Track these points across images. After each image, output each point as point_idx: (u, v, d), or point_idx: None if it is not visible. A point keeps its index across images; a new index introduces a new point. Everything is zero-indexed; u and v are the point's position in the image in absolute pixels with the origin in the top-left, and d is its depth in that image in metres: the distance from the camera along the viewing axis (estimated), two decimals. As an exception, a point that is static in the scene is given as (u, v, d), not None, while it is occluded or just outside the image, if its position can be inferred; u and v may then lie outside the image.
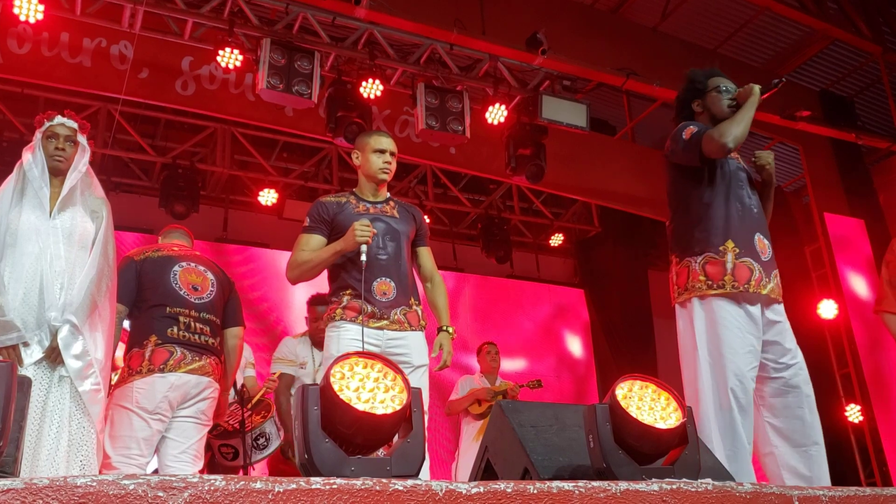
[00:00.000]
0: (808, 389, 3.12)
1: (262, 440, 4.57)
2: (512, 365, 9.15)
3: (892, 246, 3.91)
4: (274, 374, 4.95)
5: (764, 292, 3.08)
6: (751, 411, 3.01)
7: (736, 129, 3.07)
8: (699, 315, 3.09)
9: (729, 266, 3.06)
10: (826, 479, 3.02)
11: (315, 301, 5.07)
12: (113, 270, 3.14)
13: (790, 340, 3.16)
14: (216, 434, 4.43)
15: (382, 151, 3.48)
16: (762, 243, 3.16)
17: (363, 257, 3.20)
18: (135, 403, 3.40)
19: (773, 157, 3.32)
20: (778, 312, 3.18)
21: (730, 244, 3.09)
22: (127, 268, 3.58)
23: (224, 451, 4.47)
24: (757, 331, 3.07)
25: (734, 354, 2.99)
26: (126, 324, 3.68)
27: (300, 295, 7.80)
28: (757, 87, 3.18)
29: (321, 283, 3.64)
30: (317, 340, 4.92)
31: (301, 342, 5.07)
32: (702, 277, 3.08)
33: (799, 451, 3.08)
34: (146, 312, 3.57)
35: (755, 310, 3.08)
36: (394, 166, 3.52)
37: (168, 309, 3.56)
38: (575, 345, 9.75)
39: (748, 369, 3.00)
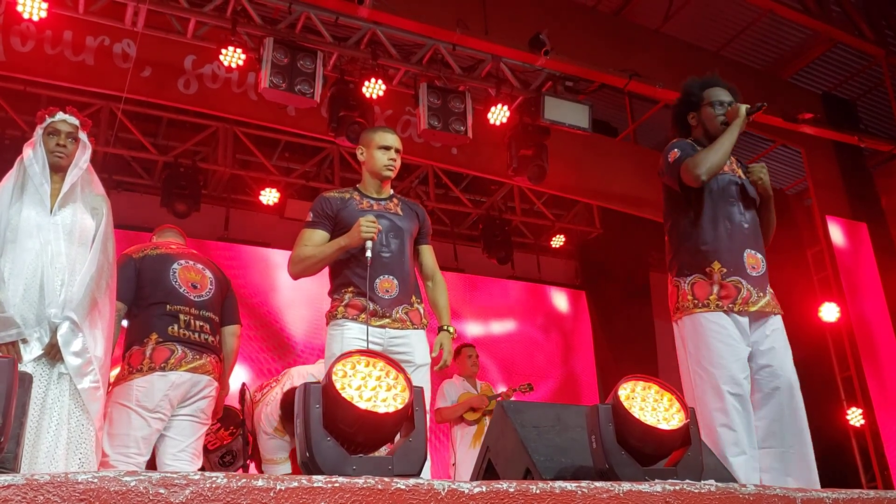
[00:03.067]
0: (791, 393, 3.10)
1: (228, 457, 4.53)
2: (513, 366, 9.15)
3: None
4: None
5: (753, 309, 3.09)
6: (750, 415, 3.02)
7: (712, 160, 3.08)
8: (690, 331, 3.13)
9: (715, 288, 3.08)
10: (813, 482, 3.00)
11: None
12: (113, 267, 3.14)
13: (776, 342, 3.14)
14: None
15: (387, 148, 3.47)
16: (753, 259, 3.15)
17: (368, 253, 3.17)
18: (135, 402, 3.39)
19: (766, 171, 3.27)
20: (770, 326, 3.16)
21: (716, 265, 3.11)
22: (125, 266, 3.57)
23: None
24: (746, 339, 3.09)
25: (726, 363, 3.01)
26: (123, 322, 3.67)
27: (301, 295, 7.81)
28: (743, 109, 3.17)
29: (322, 280, 3.61)
30: None
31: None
32: (689, 297, 3.13)
33: (779, 452, 3.06)
34: (146, 310, 3.56)
35: (744, 321, 3.10)
36: (398, 163, 3.50)
37: (168, 307, 3.56)
38: (576, 346, 9.74)
39: (742, 377, 3.02)
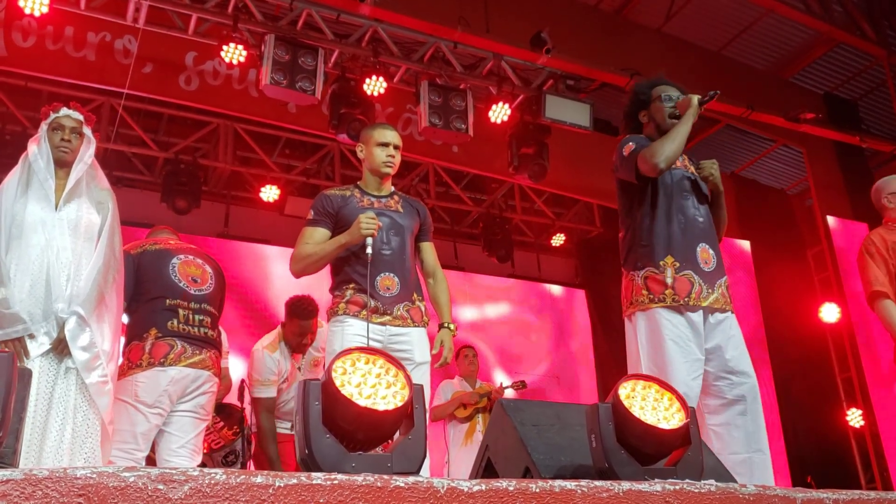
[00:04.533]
0: (753, 398, 3.10)
1: (231, 457, 4.53)
2: (512, 365, 9.15)
3: (872, 239, 3.85)
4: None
5: (704, 304, 3.09)
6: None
7: (669, 148, 3.07)
8: (642, 327, 3.14)
9: (669, 281, 3.08)
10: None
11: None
12: (119, 262, 3.13)
13: (735, 349, 3.14)
14: None
15: (386, 145, 3.46)
16: (706, 254, 3.15)
17: (368, 250, 3.17)
18: (134, 397, 3.39)
19: (716, 167, 3.27)
20: (729, 328, 3.16)
21: (669, 259, 3.11)
22: (124, 262, 3.56)
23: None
24: (699, 339, 3.08)
25: (677, 364, 3.00)
26: (123, 317, 3.67)
27: (297, 288, 7.79)
28: (696, 98, 3.17)
29: (319, 273, 3.59)
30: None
31: (279, 351, 4.72)
32: (644, 291, 3.14)
33: (740, 458, 3.04)
34: (145, 305, 3.55)
35: (697, 318, 3.09)
36: (398, 160, 3.50)
37: (168, 301, 3.55)
38: (576, 345, 9.74)
39: (691, 378, 3.01)
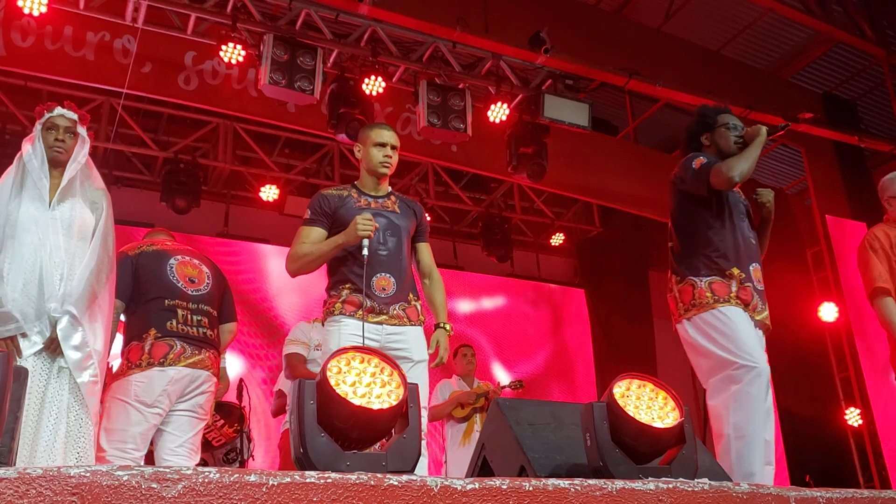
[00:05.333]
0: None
1: (232, 454, 4.55)
2: (512, 364, 9.16)
3: (875, 234, 3.90)
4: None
5: (758, 318, 3.26)
6: (771, 416, 3.12)
7: (743, 165, 3.22)
8: (710, 322, 3.20)
9: (734, 288, 3.23)
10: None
11: None
12: (112, 262, 3.14)
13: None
14: None
15: (383, 145, 3.46)
16: (758, 273, 3.34)
17: (365, 251, 3.18)
18: (133, 397, 3.39)
19: (773, 196, 3.48)
20: (762, 338, 3.32)
21: (735, 270, 3.26)
22: (122, 263, 3.56)
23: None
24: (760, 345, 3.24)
25: (758, 351, 3.14)
26: (121, 317, 3.68)
27: (300, 291, 7.82)
28: (764, 129, 3.33)
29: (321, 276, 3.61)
30: None
31: (315, 327, 5.00)
32: (708, 294, 3.23)
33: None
34: (144, 306, 3.56)
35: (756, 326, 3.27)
36: (395, 160, 3.50)
37: (166, 302, 3.55)
38: (574, 345, 9.75)
39: (764, 362, 3.13)
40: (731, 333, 3.14)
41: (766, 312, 3.30)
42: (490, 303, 9.42)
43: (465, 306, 9.07)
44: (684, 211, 3.44)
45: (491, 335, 9.19)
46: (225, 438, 4.50)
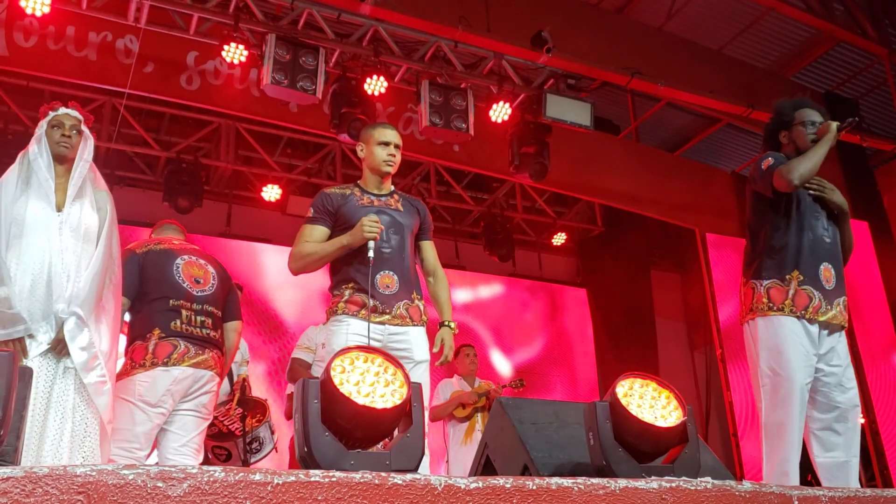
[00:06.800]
0: (852, 406, 3.28)
1: (255, 444, 4.58)
2: (512, 363, 9.16)
3: None
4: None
5: (821, 319, 3.27)
6: (802, 419, 3.20)
7: (804, 167, 3.25)
8: (761, 332, 3.31)
9: (791, 293, 3.26)
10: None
11: None
12: (116, 264, 3.15)
13: (842, 361, 3.32)
14: (211, 435, 4.44)
15: (387, 144, 3.46)
16: (828, 272, 3.32)
17: (371, 253, 3.18)
18: (137, 397, 3.40)
19: (836, 192, 3.42)
20: (841, 344, 3.35)
21: (795, 273, 3.29)
22: (129, 260, 3.57)
23: (217, 452, 4.49)
24: (814, 348, 3.26)
25: (793, 365, 3.19)
26: (126, 316, 3.68)
27: (302, 290, 7.83)
28: (834, 125, 3.36)
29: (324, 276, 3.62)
30: None
31: (322, 329, 5.06)
32: (765, 299, 3.30)
33: (838, 462, 3.24)
34: (148, 305, 3.57)
35: (813, 328, 3.27)
36: (398, 159, 3.50)
37: (171, 301, 3.56)
38: (576, 344, 9.74)
39: (805, 382, 3.20)
40: (774, 345, 3.23)
41: (836, 310, 3.30)
42: (492, 303, 9.42)
43: (458, 289, 9.01)
44: (755, 210, 3.48)
45: (493, 335, 9.20)
46: (248, 429, 4.54)
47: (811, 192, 3.37)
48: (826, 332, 3.30)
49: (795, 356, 3.20)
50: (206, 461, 4.40)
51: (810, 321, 3.25)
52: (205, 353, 3.56)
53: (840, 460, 3.22)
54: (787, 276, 3.28)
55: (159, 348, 3.46)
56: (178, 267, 3.67)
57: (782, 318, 3.24)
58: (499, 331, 9.26)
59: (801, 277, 3.27)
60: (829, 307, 3.28)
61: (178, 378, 3.46)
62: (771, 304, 3.27)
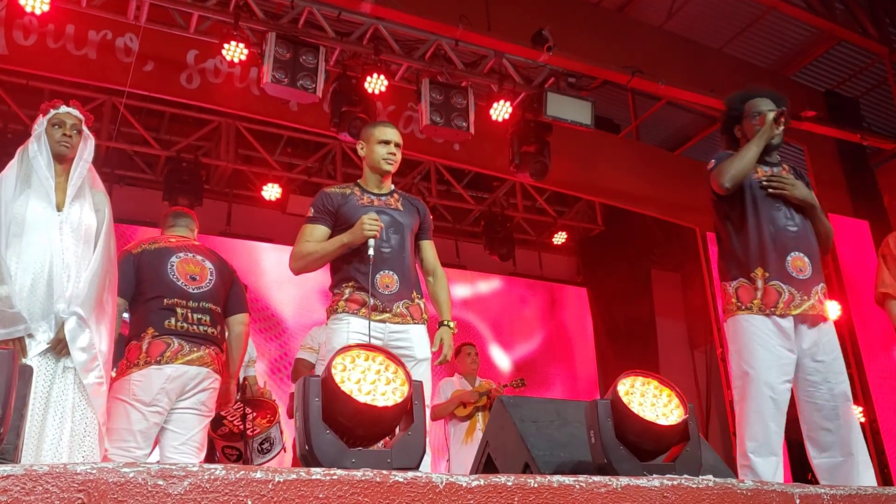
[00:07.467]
0: (843, 402, 3.17)
1: (266, 444, 4.60)
2: (512, 359, 9.16)
3: (888, 241, 3.97)
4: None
5: (796, 312, 3.16)
6: (783, 419, 3.12)
7: (734, 168, 3.21)
8: (732, 332, 3.26)
9: (759, 292, 3.18)
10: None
11: None
12: (114, 266, 3.15)
13: (827, 354, 3.21)
14: (222, 434, 4.44)
15: (387, 142, 3.46)
16: (800, 262, 3.20)
17: (371, 252, 3.18)
18: (132, 396, 3.40)
19: (789, 182, 3.29)
20: (824, 335, 3.22)
21: (759, 271, 3.20)
22: (125, 261, 3.57)
23: (228, 452, 4.50)
24: (789, 344, 3.16)
25: (765, 366, 3.11)
26: (125, 316, 3.69)
27: (301, 289, 7.83)
28: (770, 117, 3.28)
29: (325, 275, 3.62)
30: None
31: (324, 329, 5.09)
32: (734, 300, 3.25)
33: (833, 462, 3.14)
34: (144, 305, 3.57)
35: (787, 324, 3.17)
36: (398, 158, 3.50)
37: (165, 300, 3.56)
38: (577, 343, 9.75)
39: (780, 382, 3.11)
40: (743, 345, 3.17)
41: (814, 299, 3.18)
42: (492, 302, 9.42)
43: (457, 285, 9.01)
44: (716, 211, 3.43)
45: (493, 335, 9.20)
46: (260, 429, 4.55)
47: (771, 191, 3.26)
48: (805, 325, 3.18)
49: (764, 355, 3.11)
50: (215, 461, 4.42)
51: (783, 317, 3.14)
52: (200, 350, 3.55)
53: (836, 461, 3.11)
54: (752, 274, 3.19)
55: (152, 347, 3.46)
56: (172, 265, 3.67)
57: (750, 318, 3.16)
58: (498, 327, 9.26)
59: (767, 273, 3.17)
60: (804, 297, 3.16)
61: (172, 376, 3.46)
62: (740, 304, 3.21)
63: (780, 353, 3.13)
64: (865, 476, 3.09)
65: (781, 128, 3.32)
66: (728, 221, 3.34)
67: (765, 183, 3.29)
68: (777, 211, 3.26)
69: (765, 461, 3.03)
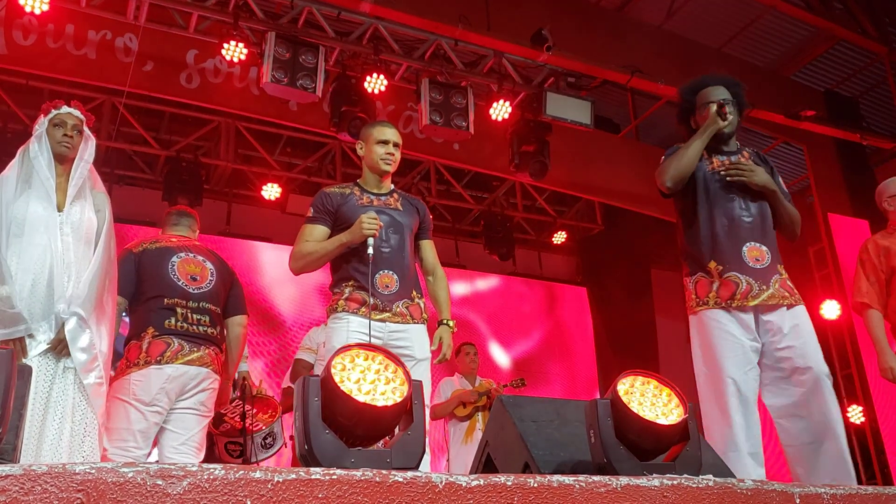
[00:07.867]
0: (814, 389, 3.06)
1: (269, 439, 4.62)
2: (513, 363, 9.16)
3: (866, 246, 3.97)
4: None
5: (754, 303, 3.09)
6: (752, 414, 3.04)
7: (676, 166, 3.19)
8: (694, 328, 3.21)
9: (715, 285, 3.14)
10: (845, 478, 2.98)
11: None
12: (114, 266, 3.15)
13: (795, 340, 3.11)
14: (223, 431, 4.45)
15: (386, 142, 3.46)
16: (757, 251, 3.15)
17: (370, 250, 3.18)
18: (131, 395, 3.41)
19: (747, 170, 3.22)
20: (789, 321, 3.13)
21: (713, 264, 3.16)
22: (126, 260, 3.57)
23: (231, 448, 4.51)
24: (750, 335, 3.10)
25: (726, 361, 3.05)
26: (126, 317, 3.69)
27: (301, 288, 7.83)
28: (713, 107, 3.23)
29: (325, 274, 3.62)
30: None
31: (324, 329, 5.10)
32: (693, 296, 3.21)
33: (804, 448, 3.07)
34: (144, 305, 3.57)
35: (746, 316, 3.11)
36: (397, 157, 3.50)
37: (166, 300, 3.56)
38: (577, 343, 9.75)
39: (743, 373, 3.04)
40: (701, 341, 3.14)
41: (773, 289, 3.11)
42: (492, 302, 9.42)
43: (456, 282, 9.02)
44: (674, 207, 3.39)
45: (493, 334, 9.20)
46: (263, 424, 4.56)
47: (730, 178, 3.19)
48: (768, 314, 3.11)
49: (723, 348, 3.05)
50: (218, 458, 4.42)
51: (741, 308, 3.08)
52: (200, 350, 3.55)
53: (805, 442, 3.03)
54: (708, 268, 3.15)
55: (152, 347, 3.46)
56: (173, 265, 3.67)
57: (707, 312, 3.12)
58: (498, 326, 9.26)
59: (721, 266, 3.12)
60: (763, 287, 3.10)
61: (172, 376, 3.46)
62: (698, 300, 3.17)
63: (741, 342, 3.07)
64: (840, 465, 2.99)
65: (729, 118, 3.26)
66: (682, 216, 3.32)
67: (722, 173, 3.24)
68: (731, 202, 3.21)
69: (736, 455, 2.94)
